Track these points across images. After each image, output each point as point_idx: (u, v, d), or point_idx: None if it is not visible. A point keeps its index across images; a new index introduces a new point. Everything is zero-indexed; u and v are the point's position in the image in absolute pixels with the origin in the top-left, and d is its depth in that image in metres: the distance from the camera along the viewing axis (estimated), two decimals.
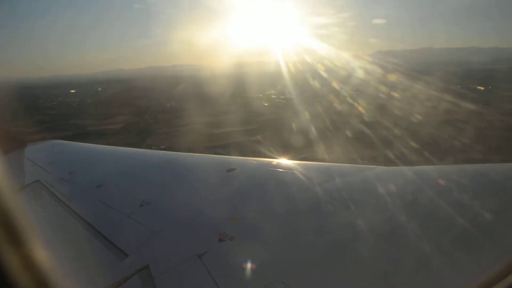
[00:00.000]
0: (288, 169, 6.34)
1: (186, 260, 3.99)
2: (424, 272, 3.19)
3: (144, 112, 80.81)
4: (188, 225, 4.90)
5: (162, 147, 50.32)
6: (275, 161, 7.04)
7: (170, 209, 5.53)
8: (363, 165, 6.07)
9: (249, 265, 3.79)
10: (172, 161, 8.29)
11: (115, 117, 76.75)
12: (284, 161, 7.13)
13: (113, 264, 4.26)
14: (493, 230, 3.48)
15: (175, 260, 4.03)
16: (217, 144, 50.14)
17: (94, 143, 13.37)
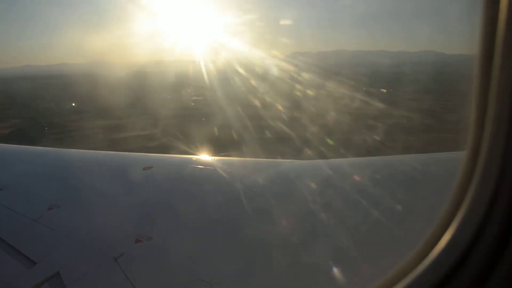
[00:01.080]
0: (206, 165, 6.35)
1: (100, 264, 3.85)
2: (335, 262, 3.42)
3: (38, 115, 72.83)
4: (102, 228, 4.67)
5: None
6: (193, 157, 7.03)
7: (83, 211, 5.23)
8: (280, 160, 6.32)
9: (168, 265, 3.76)
10: (84, 160, 7.81)
11: (3, 120, 67.43)
12: (202, 157, 7.16)
13: (19, 273, 3.94)
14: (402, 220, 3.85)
15: (89, 265, 3.85)
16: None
17: None
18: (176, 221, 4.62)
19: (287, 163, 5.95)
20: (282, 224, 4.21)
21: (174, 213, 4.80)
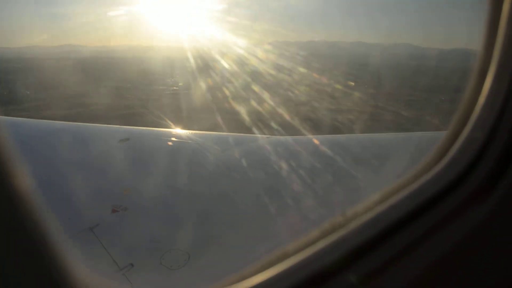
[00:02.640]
0: (182, 138, 6.37)
1: (75, 234, 3.80)
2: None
3: None
4: (77, 199, 4.56)
5: None
6: (169, 130, 7.07)
7: (57, 183, 5.08)
8: (255, 135, 6.43)
9: (144, 235, 3.76)
10: (59, 131, 7.50)
11: None
12: (178, 131, 7.14)
13: None
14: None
15: (64, 234, 3.76)
16: None
17: None
18: (151, 192, 4.62)
19: (255, 138, 6.17)
20: (248, 193, 4.41)
21: (149, 184, 4.80)
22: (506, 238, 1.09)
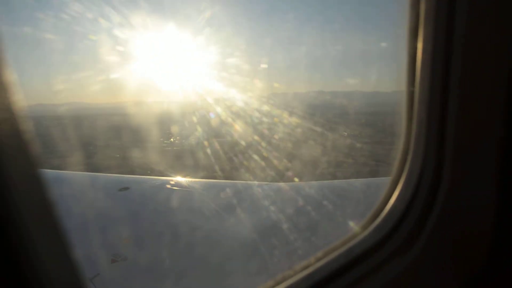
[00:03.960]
0: (182, 187, 6.53)
1: None
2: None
3: None
4: (77, 249, 4.73)
5: None
6: (169, 179, 7.17)
7: None
8: (255, 182, 6.65)
9: (144, 285, 3.85)
10: (58, 180, 7.79)
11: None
12: (179, 179, 7.29)
13: None
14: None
15: None
16: None
17: None
18: (151, 241, 4.74)
19: (255, 185, 6.36)
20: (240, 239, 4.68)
21: (149, 233, 4.93)
22: (423, 285, 1.43)
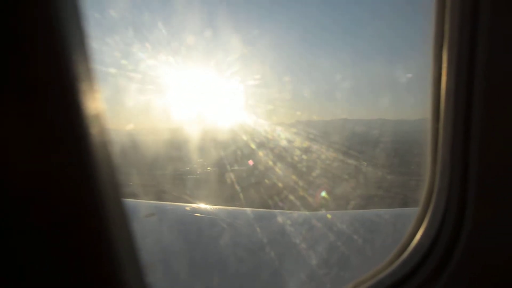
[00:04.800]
0: (207, 214, 6.62)
1: None
2: None
3: None
4: None
5: None
6: (194, 205, 7.25)
7: None
8: (279, 210, 6.71)
9: None
10: None
11: None
12: (203, 206, 7.38)
13: None
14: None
15: None
16: None
17: None
18: (176, 269, 4.81)
19: (282, 214, 6.43)
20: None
21: (174, 260, 5.01)
22: None
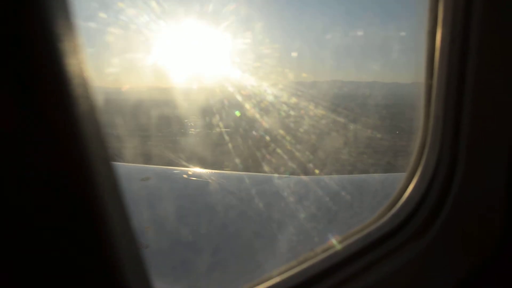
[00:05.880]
0: (202, 177, 6.71)
1: None
2: None
3: None
4: None
5: None
6: (190, 169, 7.35)
7: None
8: (273, 174, 6.79)
9: (165, 274, 3.96)
10: None
11: None
12: (198, 170, 7.48)
13: None
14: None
15: None
16: None
17: None
18: (172, 229, 4.89)
19: (272, 178, 6.52)
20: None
21: (170, 222, 5.08)
22: (435, 270, 1.54)
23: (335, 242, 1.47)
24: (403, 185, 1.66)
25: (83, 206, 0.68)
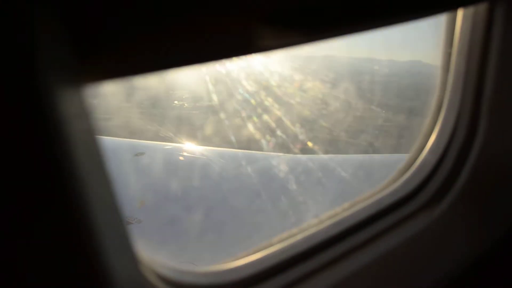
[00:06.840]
0: (195, 154, 6.62)
1: None
2: None
3: None
4: None
5: None
6: (184, 146, 7.25)
7: None
8: (269, 153, 6.70)
9: (158, 248, 3.91)
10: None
11: None
12: (192, 146, 7.37)
13: None
14: None
15: None
16: None
17: None
18: (165, 204, 4.81)
19: (266, 156, 6.46)
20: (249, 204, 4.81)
21: (164, 197, 5.01)
22: (450, 240, 1.40)
23: (342, 209, 1.33)
24: (418, 148, 1.50)
25: (59, 184, 0.59)
